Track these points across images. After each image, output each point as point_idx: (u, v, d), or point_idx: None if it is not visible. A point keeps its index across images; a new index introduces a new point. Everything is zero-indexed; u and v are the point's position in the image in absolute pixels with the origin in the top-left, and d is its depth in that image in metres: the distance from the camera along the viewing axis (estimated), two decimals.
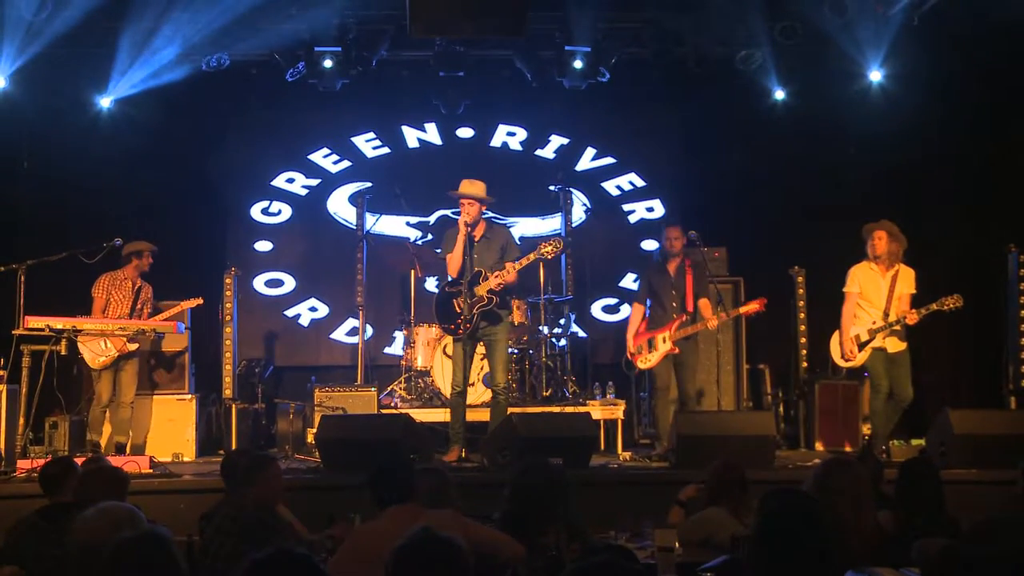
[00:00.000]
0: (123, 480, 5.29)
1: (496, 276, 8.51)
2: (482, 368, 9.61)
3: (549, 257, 8.80)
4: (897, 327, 8.65)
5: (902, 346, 8.72)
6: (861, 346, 8.75)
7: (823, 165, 11.23)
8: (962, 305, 8.44)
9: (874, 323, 8.73)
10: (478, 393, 9.81)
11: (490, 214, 11.41)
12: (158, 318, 9.27)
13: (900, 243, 8.78)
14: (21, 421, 8.44)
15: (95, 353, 8.90)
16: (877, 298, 8.76)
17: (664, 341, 9.04)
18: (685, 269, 9.20)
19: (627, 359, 9.31)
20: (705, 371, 10.19)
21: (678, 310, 9.09)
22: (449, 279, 8.77)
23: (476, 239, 8.72)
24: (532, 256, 8.61)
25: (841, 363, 9.06)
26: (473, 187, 8.78)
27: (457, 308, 8.60)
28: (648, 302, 9.26)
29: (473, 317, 8.54)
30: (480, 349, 9.03)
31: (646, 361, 9.11)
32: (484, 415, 9.16)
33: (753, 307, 9.03)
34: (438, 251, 9.10)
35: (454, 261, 8.66)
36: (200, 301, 9.70)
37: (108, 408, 9.10)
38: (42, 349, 8.31)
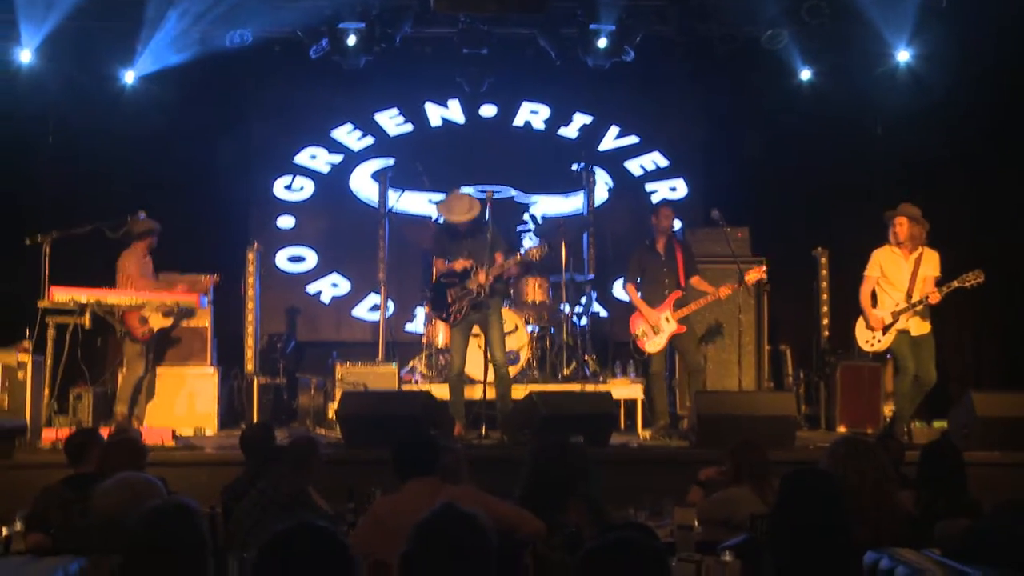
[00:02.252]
0: (142, 451, 5.34)
1: (488, 271, 8.69)
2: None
3: (534, 258, 9.00)
4: (920, 307, 8.57)
5: (926, 328, 8.65)
6: (885, 329, 8.69)
7: (848, 146, 11.16)
8: (983, 281, 8.36)
9: (897, 305, 8.66)
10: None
11: (512, 192, 11.45)
12: (179, 290, 9.34)
13: (922, 226, 8.71)
14: (46, 392, 8.53)
15: (136, 326, 8.99)
16: (900, 281, 8.70)
17: (668, 321, 9.04)
18: (674, 247, 9.26)
19: (634, 344, 9.30)
20: (727, 351, 10.20)
21: (671, 286, 9.14)
22: (446, 272, 8.92)
23: (469, 235, 8.90)
24: (517, 257, 8.88)
25: (867, 348, 8.95)
26: (464, 206, 8.89)
27: (449, 298, 8.78)
28: (639, 282, 9.27)
29: (463, 308, 8.73)
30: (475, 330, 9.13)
31: (655, 345, 9.11)
32: (515, 392, 9.21)
33: (755, 275, 9.02)
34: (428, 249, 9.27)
35: (444, 264, 8.92)
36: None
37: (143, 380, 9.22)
38: (67, 321, 8.38)
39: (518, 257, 8.88)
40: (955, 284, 8.44)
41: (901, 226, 8.69)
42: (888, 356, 9.37)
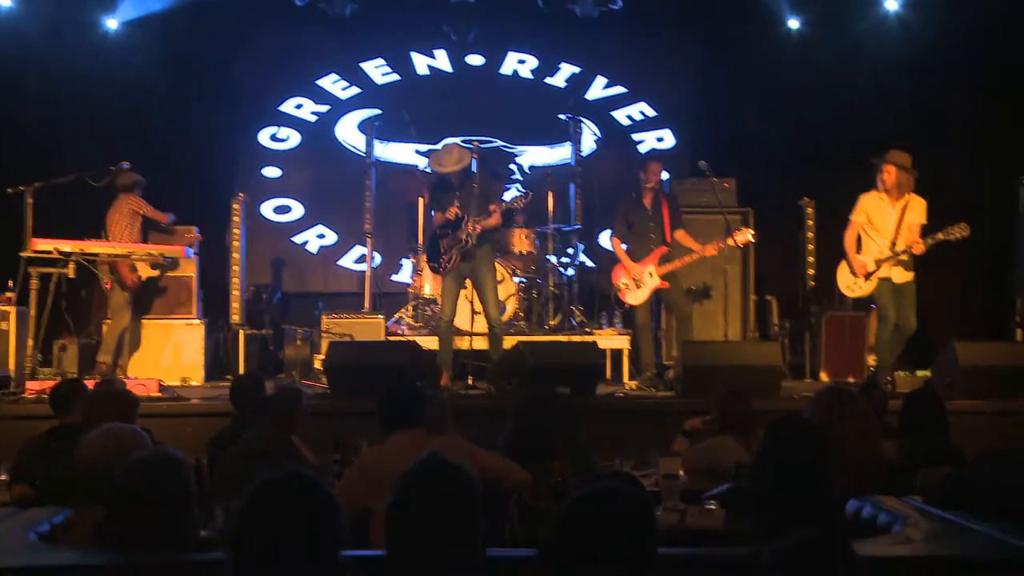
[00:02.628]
0: (133, 402, 5.33)
1: (476, 222, 8.70)
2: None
3: (518, 207, 9.21)
4: (904, 257, 8.56)
5: (908, 276, 8.64)
6: (867, 276, 8.69)
7: (837, 96, 11.11)
8: (969, 235, 8.33)
9: (881, 253, 8.64)
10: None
11: (498, 143, 11.39)
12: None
13: (910, 175, 8.65)
14: (30, 343, 8.49)
15: (128, 276, 9.03)
16: (885, 228, 8.65)
17: (651, 276, 9.04)
18: (660, 200, 9.23)
19: (615, 295, 9.31)
20: (712, 302, 10.22)
21: (657, 241, 9.12)
22: (441, 223, 8.94)
23: (458, 188, 8.89)
24: (503, 206, 8.93)
25: (848, 293, 8.96)
26: (454, 158, 8.89)
27: (441, 248, 8.81)
28: (626, 235, 9.27)
29: (452, 258, 8.76)
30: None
31: (636, 298, 9.13)
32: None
33: (743, 237, 9.02)
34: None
35: (441, 217, 8.94)
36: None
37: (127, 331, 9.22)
38: (50, 272, 8.34)
39: (502, 206, 8.90)
40: (940, 236, 8.41)
41: (889, 173, 8.63)
42: (872, 306, 9.39)
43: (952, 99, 10.83)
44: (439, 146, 9.18)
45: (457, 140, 10.56)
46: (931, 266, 8.80)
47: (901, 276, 8.64)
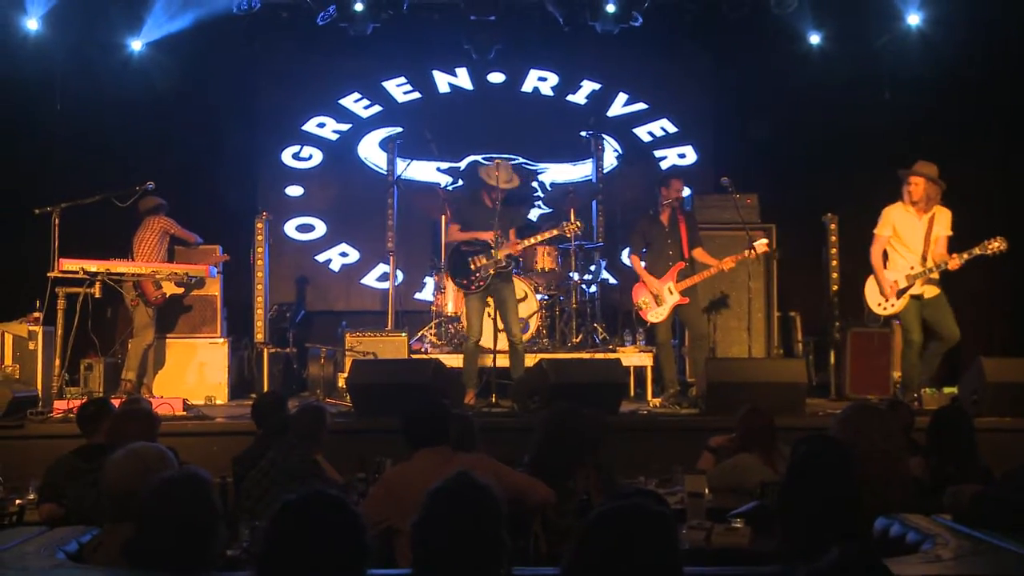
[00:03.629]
0: (154, 420, 5.35)
1: (515, 244, 8.86)
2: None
3: (568, 235, 9.38)
4: (934, 274, 8.46)
5: (936, 290, 8.53)
6: (899, 293, 8.57)
7: (858, 111, 11.07)
8: (1006, 248, 8.18)
9: (912, 268, 8.52)
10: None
11: (520, 160, 11.41)
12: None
13: (938, 187, 8.51)
14: (57, 363, 8.56)
15: (151, 291, 9.10)
16: (914, 241, 8.53)
17: (671, 293, 9.02)
18: (678, 218, 9.18)
19: (636, 313, 9.29)
20: (736, 318, 10.19)
21: (675, 257, 9.09)
22: (470, 240, 8.96)
23: (498, 207, 8.90)
24: (555, 231, 9.15)
25: (878, 311, 8.84)
26: (504, 176, 9.00)
27: (473, 266, 8.83)
28: (643, 252, 9.25)
29: (488, 277, 8.81)
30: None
31: (657, 315, 9.09)
32: (525, 360, 9.26)
33: (762, 247, 9.01)
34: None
35: (468, 234, 8.95)
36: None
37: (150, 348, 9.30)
38: (77, 292, 8.40)
39: (553, 232, 9.12)
40: (976, 251, 8.24)
41: (916, 185, 8.48)
42: (896, 322, 9.31)
43: (973, 114, 10.77)
44: (490, 162, 9.13)
45: (478, 158, 10.60)
46: (956, 280, 8.71)
47: (931, 291, 8.52)
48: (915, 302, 8.55)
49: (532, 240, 9.19)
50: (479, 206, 9.02)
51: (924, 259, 8.50)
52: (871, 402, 7.04)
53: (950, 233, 8.50)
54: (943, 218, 8.51)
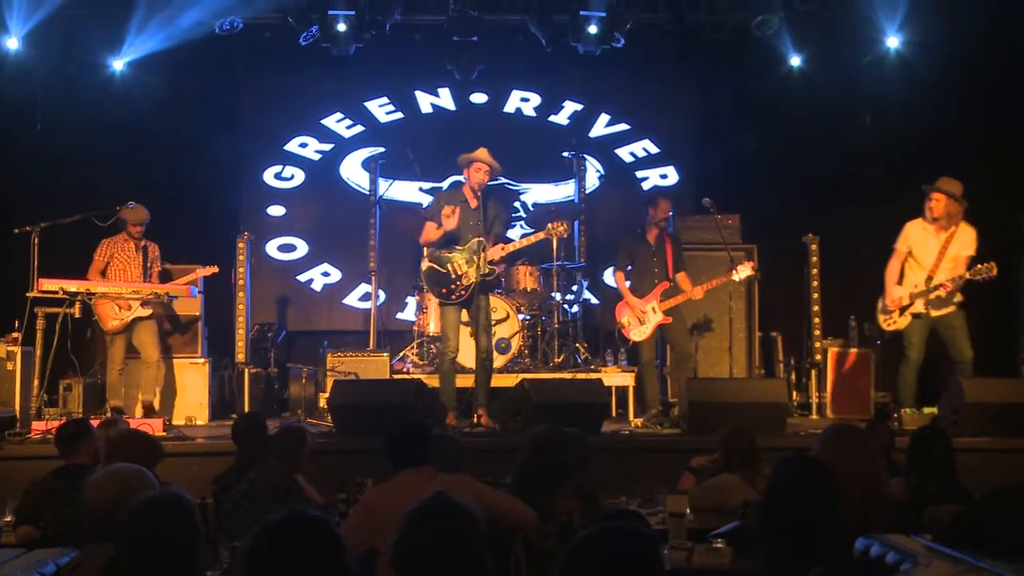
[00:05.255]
0: (156, 448, 5.23)
1: (501, 247, 8.53)
2: (493, 334, 9.55)
3: (554, 237, 9.12)
4: (932, 296, 8.38)
5: (950, 308, 8.42)
6: (902, 310, 8.53)
7: (838, 133, 11.14)
8: (996, 274, 8.12)
9: (915, 286, 8.47)
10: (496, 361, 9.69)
11: (503, 180, 11.40)
12: (179, 282, 9.27)
13: (960, 204, 8.34)
14: (36, 383, 8.49)
15: (109, 316, 8.91)
16: (926, 259, 8.43)
17: (655, 312, 9.02)
18: (664, 239, 9.18)
19: (619, 332, 9.28)
20: (717, 338, 10.22)
21: (660, 276, 9.07)
22: (436, 241, 8.55)
23: (479, 207, 8.58)
24: (541, 234, 8.87)
25: (884, 325, 8.74)
26: (489, 156, 8.69)
27: (453, 273, 8.48)
28: (628, 270, 9.22)
29: (472, 285, 8.47)
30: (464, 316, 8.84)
31: (640, 334, 9.08)
32: (506, 380, 9.32)
33: (745, 271, 9.00)
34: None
35: (448, 227, 8.42)
36: (215, 269, 9.66)
37: (123, 371, 9.12)
38: (56, 312, 8.34)
39: (540, 235, 8.86)
40: (967, 276, 8.20)
41: (938, 202, 8.32)
42: (878, 342, 9.34)
43: (953, 136, 10.83)
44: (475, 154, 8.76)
45: (460, 179, 10.58)
46: None
47: (941, 310, 8.43)
48: (919, 320, 8.49)
49: (517, 245, 8.85)
50: (457, 204, 8.53)
51: (929, 279, 8.42)
52: (852, 423, 7.07)
53: (972, 253, 8.34)
54: (964, 237, 8.37)
